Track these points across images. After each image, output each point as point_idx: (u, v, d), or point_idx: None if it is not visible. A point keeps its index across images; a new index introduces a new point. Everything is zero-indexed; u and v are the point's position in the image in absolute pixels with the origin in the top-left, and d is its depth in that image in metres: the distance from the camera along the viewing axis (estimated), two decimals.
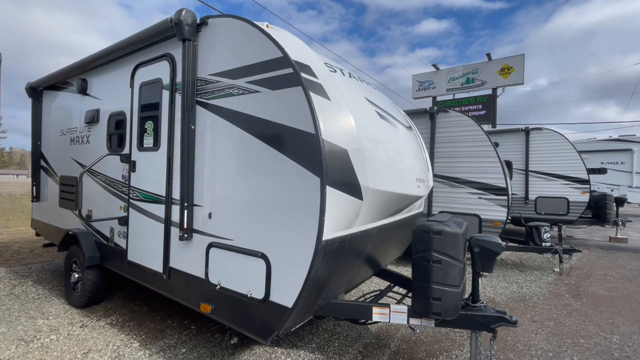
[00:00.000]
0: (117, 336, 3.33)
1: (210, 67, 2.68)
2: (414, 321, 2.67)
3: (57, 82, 4.69)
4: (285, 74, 2.19)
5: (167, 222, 2.96)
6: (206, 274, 2.62)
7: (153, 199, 3.12)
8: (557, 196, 8.34)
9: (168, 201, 2.95)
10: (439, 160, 5.83)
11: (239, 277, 2.42)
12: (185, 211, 2.72)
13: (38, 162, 5.16)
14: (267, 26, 2.43)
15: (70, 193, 4.31)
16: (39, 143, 5.17)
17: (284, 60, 2.19)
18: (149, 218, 3.16)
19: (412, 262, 2.61)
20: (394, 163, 2.68)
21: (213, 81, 2.65)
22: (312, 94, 2.10)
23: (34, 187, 5.18)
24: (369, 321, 2.81)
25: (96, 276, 3.87)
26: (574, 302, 4.56)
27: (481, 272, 2.73)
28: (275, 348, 3.17)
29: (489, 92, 16.52)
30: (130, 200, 3.38)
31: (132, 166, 3.37)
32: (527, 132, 8.75)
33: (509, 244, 6.63)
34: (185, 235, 2.72)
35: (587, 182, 8.06)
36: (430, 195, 5.84)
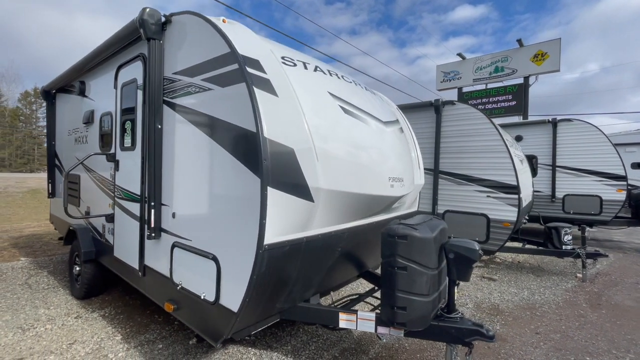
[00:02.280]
0: (105, 328, 3.47)
1: (174, 65, 2.66)
2: (382, 330, 2.51)
3: (64, 85, 4.95)
4: (232, 70, 2.11)
5: (142, 221, 3.00)
6: (171, 274, 2.63)
7: (132, 197, 3.19)
8: (589, 194, 7.58)
9: (142, 200, 2.99)
10: (445, 156, 5.48)
11: (195, 278, 2.40)
12: (152, 210, 2.73)
13: (53, 161, 5.50)
14: (223, 21, 2.35)
15: (74, 190, 4.56)
16: (54, 143, 5.51)
17: (231, 55, 2.11)
18: (128, 216, 3.23)
19: (381, 267, 2.45)
20: (359, 162, 2.50)
21: (176, 80, 2.62)
22: (256, 90, 2.00)
23: (50, 184, 5.55)
24: (337, 327, 2.68)
25: (93, 270, 4.06)
26: (590, 313, 4.11)
27: (457, 281, 2.51)
28: (249, 348, 3.14)
29: (520, 81, 15.37)
30: (115, 199, 3.48)
31: (117, 165, 3.46)
32: (554, 123, 8.00)
33: (527, 246, 6.15)
34: (153, 234, 2.74)
35: (623, 178, 7.24)
36: (435, 194, 5.53)
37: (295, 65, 2.43)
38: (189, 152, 2.49)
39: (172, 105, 2.66)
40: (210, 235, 2.28)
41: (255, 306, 2.16)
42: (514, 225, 4.83)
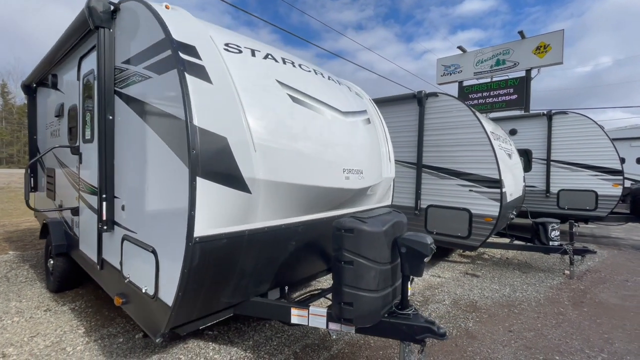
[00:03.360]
0: (70, 322, 3.46)
1: (124, 54, 2.59)
2: (333, 326, 2.43)
3: (42, 78, 4.93)
4: (166, 56, 2.04)
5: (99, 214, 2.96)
6: (121, 267, 2.59)
7: (92, 190, 3.14)
8: (584, 189, 7.36)
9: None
10: (429, 149, 5.34)
11: (139, 271, 2.35)
12: (104, 203, 2.69)
13: (35, 155, 5.51)
14: (166, 7, 2.27)
15: (50, 184, 4.55)
16: (35, 137, 5.52)
17: (166, 41, 2.03)
18: (89, 209, 3.20)
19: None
20: (306, 153, 2.41)
21: (124, 69, 2.56)
22: (188, 77, 1.92)
23: (32, 178, 5.56)
24: (291, 323, 2.61)
25: (65, 263, 4.05)
26: (571, 310, 3.98)
27: (410, 276, 2.42)
28: (209, 343, 3.09)
29: (522, 74, 15.01)
30: (80, 192, 3.45)
31: (80, 158, 3.43)
32: (549, 116, 7.77)
33: (515, 241, 6.00)
34: (105, 227, 2.70)
35: (619, 172, 7.01)
36: (418, 188, 5.40)
37: (240, 52, 2.34)
38: (134, 143, 2.43)
39: (122, 96, 2.60)
40: (150, 228, 2.23)
41: (193, 300, 2.10)
42: (496, 221, 4.69)
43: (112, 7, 2.63)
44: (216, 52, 2.15)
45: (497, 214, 4.68)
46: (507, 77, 15.52)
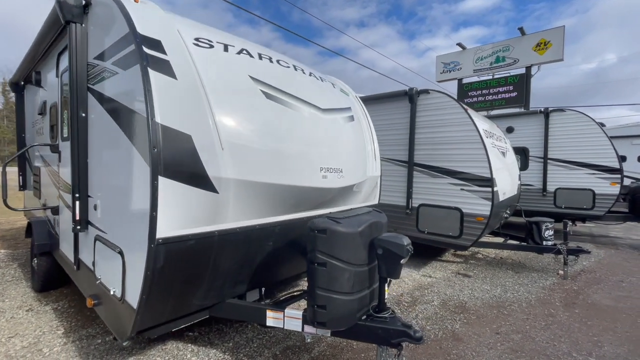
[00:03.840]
0: (51, 322, 3.41)
1: (95, 50, 2.52)
2: (308, 329, 2.37)
3: (27, 76, 4.87)
4: (130, 51, 1.97)
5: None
6: (94, 268, 2.54)
7: (69, 189, 3.09)
8: (581, 187, 7.25)
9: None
10: (420, 147, 5.25)
11: (109, 273, 2.30)
12: (78, 202, 2.63)
13: (23, 153, 5.47)
14: (135, 1, 2.20)
15: (36, 182, 4.51)
16: (24, 135, 5.48)
17: (130, 36, 1.96)
18: (67, 208, 3.15)
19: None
20: (279, 151, 2.33)
21: (95, 65, 2.49)
22: (151, 72, 1.85)
23: (20, 177, 5.52)
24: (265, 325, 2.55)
25: (48, 263, 4.01)
26: (562, 312, 3.89)
27: (387, 278, 2.35)
28: (189, 345, 3.04)
29: (522, 71, 14.83)
30: (59, 190, 3.40)
31: (59, 156, 3.37)
32: (546, 114, 7.64)
33: (509, 241, 5.92)
34: (78, 227, 2.64)
35: (617, 171, 6.89)
36: (409, 187, 5.32)
37: (211, 46, 2.27)
38: (105, 141, 2.37)
39: (94, 93, 2.54)
40: (118, 229, 2.17)
41: (160, 303, 2.04)
42: (488, 220, 4.60)
43: (83, 2, 2.55)
44: (183, 46, 2.07)
45: (488, 213, 4.60)
46: (508, 74, 15.35)
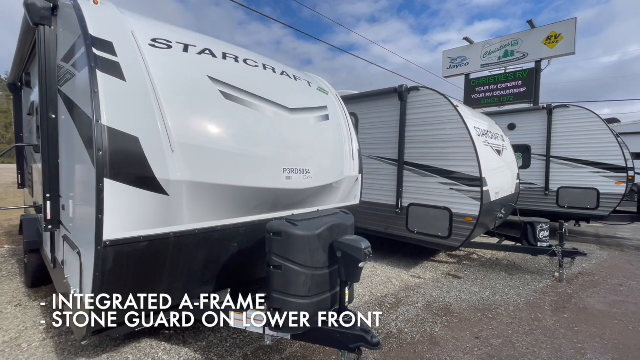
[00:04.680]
0: (36, 317, 3.51)
1: (62, 51, 2.55)
2: (270, 331, 2.36)
3: (21, 77, 4.99)
4: (82, 53, 1.97)
5: None
6: (63, 267, 2.58)
7: None
8: (585, 187, 6.98)
9: None
10: (410, 146, 5.14)
11: (71, 273, 2.33)
12: (48, 202, 2.67)
13: (22, 154, 5.63)
14: (94, 2, 2.21)
15: (30, 181, 4.63)
16: (22, 135, 5.63)
17: (82, 38, 1.97)
18: None
19: None
20: (236, 152, 2.30)
21: (61, 67, 2.52)
22: (99, 74, 1.85)
23: (19, 175, 5.69)
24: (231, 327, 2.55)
25: (37, 260, 4.11)
26: (549, 317, 3.76)
27: (347, 281, 2.31)
28: (162, 343, 3.07)
29: (532, 65, 14.37)
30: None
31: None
32: (549, 110, 7.38)
33: (504, 242, 5.76)
34: (50, 227, 2.69)
35: (623, 169, 6.60)
36: (399, 186, 5.23)
37: (169, 47, 2.26)
38: (69, 142, 2.40)
39: (61, 94, 2.56)
40: (76, 229, 2.20)
41: (113, 304, 2.05)
42: (477, 221, 4.48)
43: (51, 4, 2.57)
44: (135, 48, 2.06)
45: (477, 213, 4.47)
46: (520, 68, 14.87)
